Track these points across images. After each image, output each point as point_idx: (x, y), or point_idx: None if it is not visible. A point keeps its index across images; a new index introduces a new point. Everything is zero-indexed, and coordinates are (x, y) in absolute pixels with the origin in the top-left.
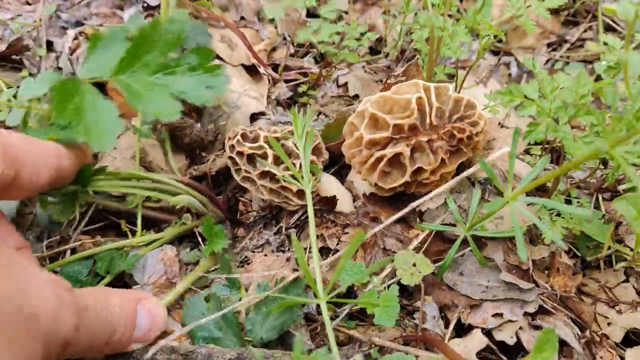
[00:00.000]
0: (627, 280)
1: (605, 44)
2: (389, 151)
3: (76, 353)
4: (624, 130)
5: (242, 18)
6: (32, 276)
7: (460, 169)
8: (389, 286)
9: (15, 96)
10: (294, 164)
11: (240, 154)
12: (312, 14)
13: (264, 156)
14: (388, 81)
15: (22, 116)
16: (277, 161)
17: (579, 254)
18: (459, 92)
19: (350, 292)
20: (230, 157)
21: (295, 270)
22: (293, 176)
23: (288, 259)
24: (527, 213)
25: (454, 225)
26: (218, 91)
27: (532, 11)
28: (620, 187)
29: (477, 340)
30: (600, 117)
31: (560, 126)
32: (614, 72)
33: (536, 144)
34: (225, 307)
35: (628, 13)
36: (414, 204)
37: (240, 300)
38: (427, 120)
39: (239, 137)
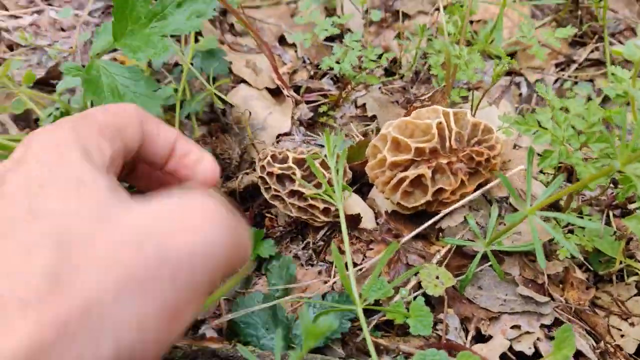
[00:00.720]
0: (638, 294)
1: (613, 74)
2: (412, 172)
3: None
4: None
5: (266, 43)
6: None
7: (478, 189)
8: (414, 298)
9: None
10: (319, 184)
11: (270, 174)
12: (330, 37)
13: (293, 176)
14: (414, 104)
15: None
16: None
17: (591, 269)
18: (474, 114)
19: (376, 306)
20: (261, 177)
21: (325, 282)
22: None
23: (320, 272)
24: (545, 226)
25: (472, 241)
26: (206, 15)
27: (542, 38)
28: (631, 206)
29: (498, 344)
30: (610, 142)
31: (573, 153)
32: (623, 101)
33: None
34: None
35: (634, 55)
36: (435, 218)
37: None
38: (447, 144)
39: (269, 158)
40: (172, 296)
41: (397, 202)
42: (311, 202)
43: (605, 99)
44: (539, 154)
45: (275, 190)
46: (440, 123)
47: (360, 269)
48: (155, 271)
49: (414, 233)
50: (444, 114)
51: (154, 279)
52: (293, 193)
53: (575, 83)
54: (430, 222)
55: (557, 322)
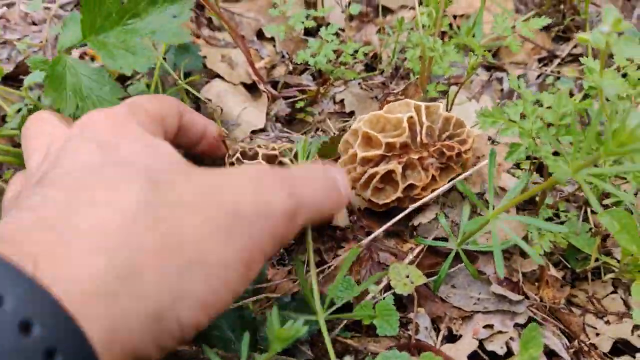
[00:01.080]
0: (615, 292)
1: (586, 66)
2: (382, 168)
3: None
4: (587, 151)
5: (242, 37)
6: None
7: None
8: (384, 297)
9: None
10: None
11: None
12: (309, 31)
13: None
14: (387, 99)
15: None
16: None
17: (568, 266)
18: (450, 109)
19: (346, 304)
20: None
21: (295, 281)
22: None
23: (289, 272)
24: (508, 231)
25: (446, 239)
26: (184, 18)
27: (519, 30)
28: (606, 201)
29: (467, 344)
30: (579, 137)
31: (542, 146)
32: (595, 92)
33: (527, 158)
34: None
35: (600, 43)
36: (402, 214)
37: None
38: (418, 139)
39: (238, 154)
40: (249, 243)
41: (368, 199)
42: None
43: (587, 95)
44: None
45: None
46: (412, 117)
47: (329, 267)
48: (232, 220)
49: (382, 229)
50: (416, 107)
51: (232, 226)
52: None
53: (558, 78)
54: (397, 217)
55: (531, 321)
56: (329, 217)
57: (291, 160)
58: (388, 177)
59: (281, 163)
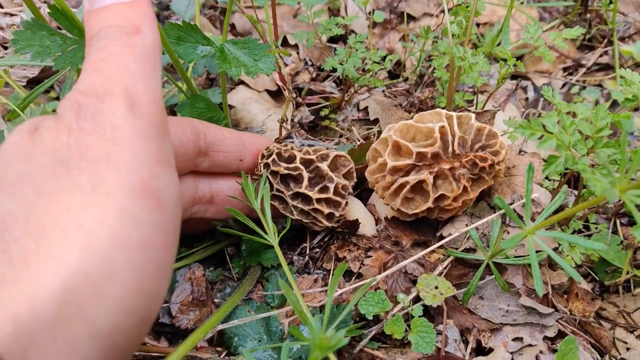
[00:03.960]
0: None
1: (622, 77)
2: (412, 178)
3: None
4: (635, 170)
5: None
6: None
7: (481, 195)
8: (412, 308)
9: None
10: (327, 187)
11: (274, 173)
12: (333, 39)
13: (299, 177)
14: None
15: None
16: (310, 183)
17: (597, 279)
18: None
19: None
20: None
21: (323, 291)
22: (326, 200)
23: (315, 280)
24: (544, 247)
25: (474, 250)
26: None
27: (549, 40)
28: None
29: (499, 358)
30: (626, 154)
31: (579, 159)
32: (632, 104)
33: None
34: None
35: None
36: (443, 242)
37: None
38: (450, 149)
39: (274, 156)
40: None
41: (397, 208)
42: (316, 205)
43: (614, 104)
44: (544, 160)
45: (278, 190)
46: (443, 127)
47: (357, 277)
48: None
49: (424, 252)
50: (447, 117)
51: None
52: (297, 195)
53: (583, 88)
54: (441, 242)
55: (561, 335)
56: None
57: (329, 165)
58: (418, 187)
59: (317, 168)
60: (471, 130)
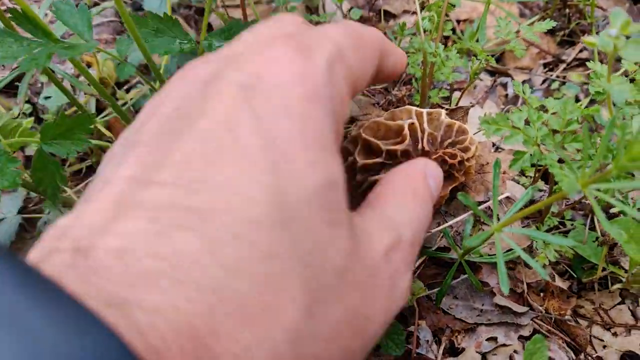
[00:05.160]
0: (622, 302)
1: (593, 70)
2: (382, 176)
3: None
4: (597, 164)
5: None
6: None
7: (455, 193)
8: None
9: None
10: None
11: None
12: None
13: None
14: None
15: None
16: None
17: (575, 276)
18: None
19: None
20: None
21: None
22: None
23: None
24: (512, 244)
25: (449, 249)
26: None
27: (523, 34)
28: (613, 210)
29: (469, 358)
30: (589, 147)
31: (548, 154)
32: (602, 98)
33: (532, 165)
34: None
35: (607, 46)
36: None
37: None
38: (420, 146)
39: None
40: None
41: None
42: None
43: (593, 101)
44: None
45: None
46: (413, 124)
47: None
48: None
49: None
50: (417, 114)
51: None
52: None
53: (563, 83)
54: None
55: (536, 334)
56: None
57: None
58: None
59: None
60: (441, 127)
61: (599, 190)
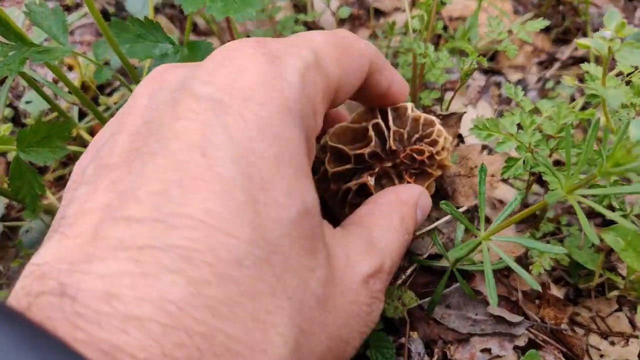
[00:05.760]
0: (620, 310)
1: (587, 72)
2: (353, 183)
3: None
4: (579, 170)
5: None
6: None
7: (443, 196)
8: None
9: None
10: None
11: None
12: None
13: None
14: None
15: None
16: None
17: (571, 282)
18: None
19: None
20: None
21: None
22: None
23: None
24: (501, 253)
25: (440, 256)
26: None
27: (516, 34)
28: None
29: None
30: (572, 153)
31: (541, 160)
32: (597, 100)
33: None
34: None
35: (602, 49)
36: None
37: None
38: (387, 145)
39: None
40: None
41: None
42: None
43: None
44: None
45: None
46: (377, 124)
47: None
48: None
49: None
50: (381, 112)
51: None
52: None
53: (558, 82)
54: None
55: (532, 344)
56: None
57: None
58: (364, 191)
59: None
60: (407, 122)
61: (584, 196)
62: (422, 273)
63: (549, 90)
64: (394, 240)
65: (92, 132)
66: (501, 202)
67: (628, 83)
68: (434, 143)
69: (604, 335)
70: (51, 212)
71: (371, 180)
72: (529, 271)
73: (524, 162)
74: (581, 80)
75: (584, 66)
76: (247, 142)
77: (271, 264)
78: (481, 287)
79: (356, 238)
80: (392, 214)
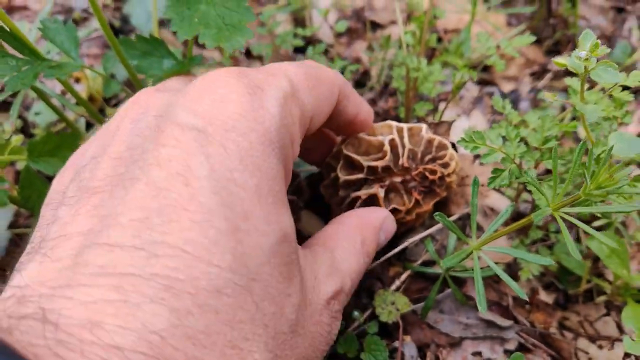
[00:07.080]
0: (607, 314)
1: (569, 86)
2: (364, 192)
3: None
4: (567, 187)
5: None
6: None
7: (438, 207)
8: (368, 325)
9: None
10: None
11: None
12: (299, 48)
13: None
14: None
15: None
16: None
17: (560, 288)
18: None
19: None
20: None
21: None
22: None
23: None
24: (490, 263)
25: (433, 263)
26: None
27: (504, 49)
28: (595, 223)
29: None
30: (557, 166)
31: (526, 171)
32: (580, 114)
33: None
34: None
35: (578, 67)
36: (392, 252)
37: None
38: (400, 162)
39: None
40: None
41: None
42: None
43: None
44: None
45: None
46: (393, 140)
47: None
48: None
49: (379, 261)
50: (398, 129)
51: None
52: None
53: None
54: (390, 253)
55: (522, 347)
56: None
57: None
58: (371, 201)
59: None
60: (422, 142)
61: (569, 214)
62: (416, 279)
63: (541, 101)
64: (354, 263)
65: None
66: (492, 209)
67: (611, 96)
68: (446, 165)
69: (592, 339)
70: None
71: (381, 192)
72: (518, 276)
73: (509, 172)
74: (566, 90)
75: (568, 80)
76: (228, 172)
77: (251, 292)
78: (473, 292)
79: (322, 260)
80: (355, 236)
